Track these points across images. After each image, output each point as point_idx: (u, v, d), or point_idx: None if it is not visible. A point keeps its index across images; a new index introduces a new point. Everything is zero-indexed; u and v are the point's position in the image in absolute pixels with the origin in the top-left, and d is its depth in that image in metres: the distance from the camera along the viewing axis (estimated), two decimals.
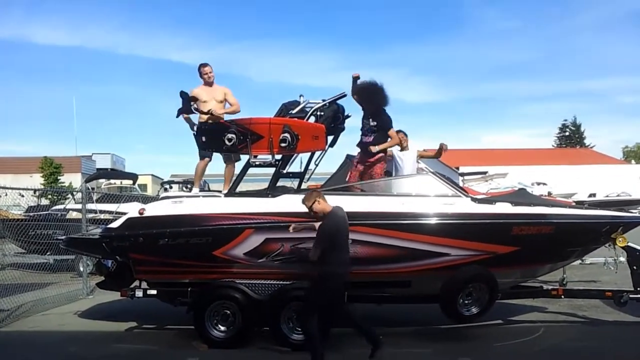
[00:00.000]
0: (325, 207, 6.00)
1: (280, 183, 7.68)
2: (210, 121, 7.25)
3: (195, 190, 7.65)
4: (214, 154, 7.66)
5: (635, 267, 7.51)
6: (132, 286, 7.39)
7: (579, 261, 9.88)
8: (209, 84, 7.72)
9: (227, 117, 7.44)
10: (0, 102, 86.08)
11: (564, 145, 65.56)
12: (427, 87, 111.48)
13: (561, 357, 6.30)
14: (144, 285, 7.35)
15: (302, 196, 6.49)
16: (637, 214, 8.29)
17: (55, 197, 23.64)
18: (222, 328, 6.79)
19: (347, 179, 7.69)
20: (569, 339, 7.12)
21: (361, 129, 7.73)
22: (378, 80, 7.56)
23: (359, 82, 7.70)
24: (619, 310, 7.91)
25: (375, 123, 7.56)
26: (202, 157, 7.63)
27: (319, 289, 5.92)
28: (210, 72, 7.72)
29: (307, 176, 8.22)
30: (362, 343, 5.99)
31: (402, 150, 7.85)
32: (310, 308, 5.94)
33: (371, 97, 7.55)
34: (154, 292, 7.18)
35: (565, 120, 68.70)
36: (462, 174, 23.61)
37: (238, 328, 6.72)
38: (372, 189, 7.29)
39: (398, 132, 7.81)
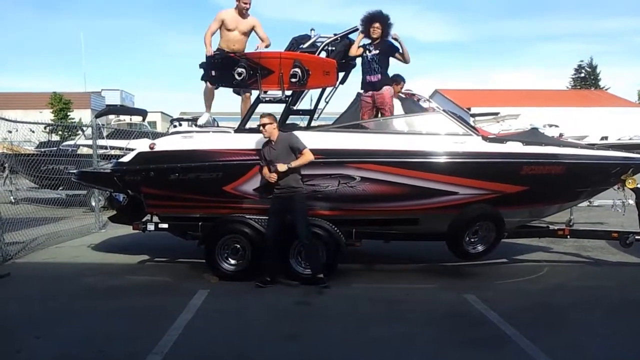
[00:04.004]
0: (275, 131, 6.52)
1: (289, 121, 7.65)
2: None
3: (207, 114, 7.57)
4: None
5: None
6: (143, 220, 7.50)
7: (587, 203, 9.90)
8: (242, 14, 7.38)
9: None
10: (6, 35, 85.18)
11: (578, 87, 64.30)
12: (440, 24, 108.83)
13: (564, 295, 6.41)
14: (156, 219, 7.46)
15: (312, 133, 6.50)
16: None
17: (65, 133, 23.74)
18: (232, 261, 6.93)
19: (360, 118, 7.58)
20: (572, 279, 7.24)
21: (362, 67, 7.37)
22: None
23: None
24: (624, 251, 7.99)
25: (377, 51, 7.21)
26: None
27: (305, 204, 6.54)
28: (248, 3, 7.35)
29: (316, 114, 8.17)
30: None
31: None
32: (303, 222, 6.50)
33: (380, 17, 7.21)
34: (165, 226, 7.29)
35: (582, 61, 67.05)
36: (474, 115, 23.35)
37: (248, 262, 6.86)
38: (382, 127, 7.23)
39: (394, 76, 7.67)
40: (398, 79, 7.81)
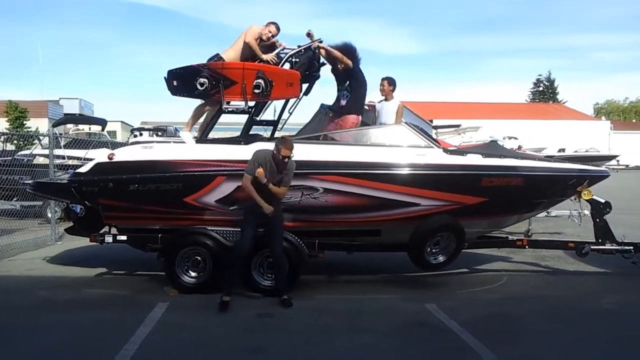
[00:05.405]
0: None
1: (253, 131, 7.59)
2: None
3: (187, 134, 7.29)
4: None
5: (598, 220, 7.74)
6: (101, 232, 7.33)
7: (545, 213, 10.12)
8: (261, 41, 7.15)
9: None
10: None
11: (537, 100, 66.23)
12: (403, 38, 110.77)
13: (523, 304, 6.52)
14: (114, 231, 7.29)
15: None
16: (603, 169, 8.47)
17: (21, 143, 23.07)
18: (193, 274, 6.81)
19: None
20: (531, 287, 7.37)
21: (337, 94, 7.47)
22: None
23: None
24: (580, 260, 8.19)
25: (348, 83, 7.32)
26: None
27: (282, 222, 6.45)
28: (269, 34, 7.16)
29: (280, 125, 8.15)
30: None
31: (386, 99, 7.72)
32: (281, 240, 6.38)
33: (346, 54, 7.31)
34: (124, 237, 7.10)
35: (540, 75, 69.38)
36: (436, 127, 23.83)
37: (209, 274, 6.76)
38: (344, 138, 7.25)
39: (384, 79, 7.70)
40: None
